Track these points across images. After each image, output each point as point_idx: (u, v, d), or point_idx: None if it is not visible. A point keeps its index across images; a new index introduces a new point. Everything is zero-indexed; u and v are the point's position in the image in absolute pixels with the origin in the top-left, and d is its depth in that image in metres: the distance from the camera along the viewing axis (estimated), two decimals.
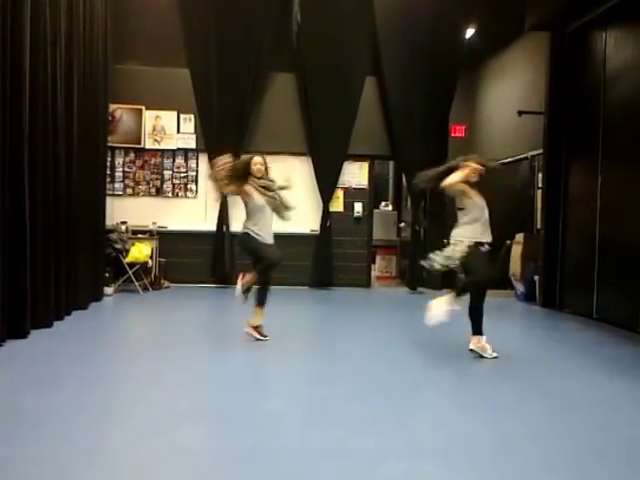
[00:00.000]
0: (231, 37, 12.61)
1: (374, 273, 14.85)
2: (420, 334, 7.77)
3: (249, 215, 7.67)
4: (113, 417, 4.85)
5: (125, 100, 12.70)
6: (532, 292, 11.65)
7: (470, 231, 7.12)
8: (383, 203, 16.62)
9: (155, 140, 13.03)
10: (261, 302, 7.58)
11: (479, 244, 7.04)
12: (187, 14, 12.75)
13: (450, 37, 13.20)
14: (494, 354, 6.98)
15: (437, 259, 7.10)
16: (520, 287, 11.98)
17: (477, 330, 7.05)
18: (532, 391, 5.90)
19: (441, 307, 6.90)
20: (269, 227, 7.69)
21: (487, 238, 7.11)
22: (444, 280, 13.17)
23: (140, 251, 11.65)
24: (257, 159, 7.69)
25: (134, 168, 13.09)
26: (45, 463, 3.87)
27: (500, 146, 13.74)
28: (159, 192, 13.16)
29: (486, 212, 7.14)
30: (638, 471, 4.07)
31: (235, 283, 7.99)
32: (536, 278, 11.56)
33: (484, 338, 7.05)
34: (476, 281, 7.05)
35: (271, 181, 7.78)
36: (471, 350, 7.06)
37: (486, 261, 7.18)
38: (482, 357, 6.97)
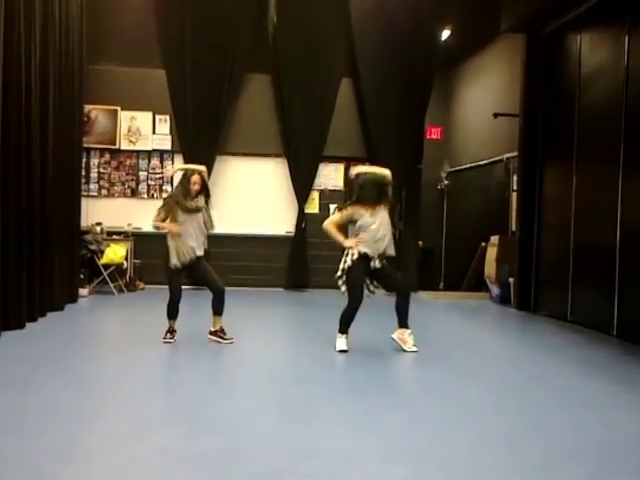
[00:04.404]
0: (206, 38, 12.56)
1: None
2: None
3: None
4: (87, 419, 4.80)
5: (100, 101, 12.62)
6: (507, 294, 11.68)
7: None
8: None
9: (130, 141, 12.96)
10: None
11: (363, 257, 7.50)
12: (162, 15, 12.68)
13: (426, 39, 13.22)
14: (342, 347, 7.24)
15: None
16: (495, 289, 12.02)
17: (341, 329, 7.41)
18: (505, 392, 5.92)
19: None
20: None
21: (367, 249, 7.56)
22: (420, 281, 13.28)
23: (115, 252, 11.57)
24: (194, 178, 7.34)
25: (109, 169, 13.02)
26: (19, 464, 3.82)
27: (476, 148, 13.82)
28: (134, 193, 13.10)
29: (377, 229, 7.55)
30: (609, 471, 4.09)
31: None
32: (511, 280, 11.59)
33: (343, 337, 7.35)
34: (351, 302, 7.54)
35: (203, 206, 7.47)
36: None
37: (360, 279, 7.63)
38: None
